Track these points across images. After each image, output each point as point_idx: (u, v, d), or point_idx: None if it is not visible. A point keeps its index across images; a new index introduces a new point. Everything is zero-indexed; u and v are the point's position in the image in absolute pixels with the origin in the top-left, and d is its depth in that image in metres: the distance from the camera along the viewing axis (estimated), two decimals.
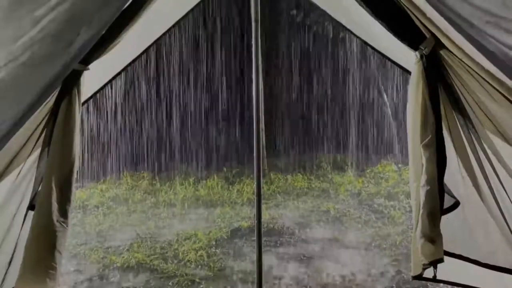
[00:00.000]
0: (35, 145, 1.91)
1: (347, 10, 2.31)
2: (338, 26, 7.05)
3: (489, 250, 2.14)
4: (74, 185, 1.94)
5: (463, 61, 1.83)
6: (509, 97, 1.75)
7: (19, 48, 1.38)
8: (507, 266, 2.12)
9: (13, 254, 1.95)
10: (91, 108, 7.56)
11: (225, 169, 8.44)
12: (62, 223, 1.89)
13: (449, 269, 2.11)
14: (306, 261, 4.88)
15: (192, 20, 8.29)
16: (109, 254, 5.10)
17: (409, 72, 2.14)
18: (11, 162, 1.84)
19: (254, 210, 2.70)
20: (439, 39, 1.84)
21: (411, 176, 2.04)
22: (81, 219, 6.29)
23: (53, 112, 1.88)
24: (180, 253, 5.10)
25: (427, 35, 1.85)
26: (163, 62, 8.62)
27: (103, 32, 1.65)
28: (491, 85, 1.78)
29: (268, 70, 8.94)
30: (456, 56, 1.84)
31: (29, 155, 1.91)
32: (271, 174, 8.21)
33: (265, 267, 3.77)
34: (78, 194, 7.00)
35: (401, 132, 8.13)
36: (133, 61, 2.56)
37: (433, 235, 1.91)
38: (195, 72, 8.86)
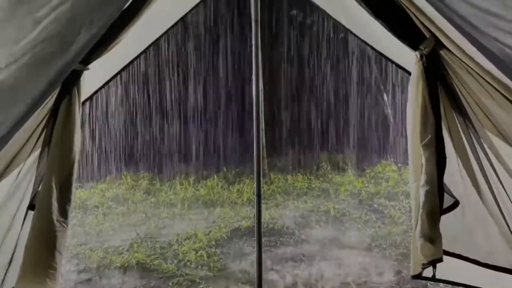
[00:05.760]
0: (35, 145, 1.91)
1: (347, 10, 2.31)
2: (338, 26, 7.05)
3: (489, 249, 2.14)
4: (74, 185, 1.94)
5: (463, 61, 1.83)
6: (509, 97, 1.75)
7: (20, 49, 1.38)
8: (507, 266, 2.13)
9: (13, 254, 1.96)
10: (91, 108, 7.56)
11: (225, 169, 8.43)
12: (62, 223, 1.89)
13: (448, 269, 2.11)
14: (306, 261, 4.88)
15: (192, 19, 8.29)
16: (109, 254, 5.10)
17: (409, 72, 2.14)
18: (11, 162, 1.85)
19: (254, 210, 2.70)
20: (439, 39, 1.84)
21: (411, 176, 2.04)
22: (81, 219, 6.28)
23: (53, 112, 1.89)
24: (180, 253, 5.10)
25: (427, 35, 1.86)
26: (163, 61, 8.62)
27: (103, 32, 1.65)
28: (491, 85, 1.78)
29: (268, 70, 8.94)
30: (456, 56, 1.84)
31: (29, 155, 1.92)
32: (271, 174, 8.21)
33: (264, 267, 3.77)
34: (78, 194, 7.00)
35: (401, 132, 8.13)
36: (133, 61, 2.56)
37: (432, 235, 1.91)
38: (196, 72, 8.86)
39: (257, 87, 2.60)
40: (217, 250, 5.21)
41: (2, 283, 1.96)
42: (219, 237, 5.59)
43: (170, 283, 4.43)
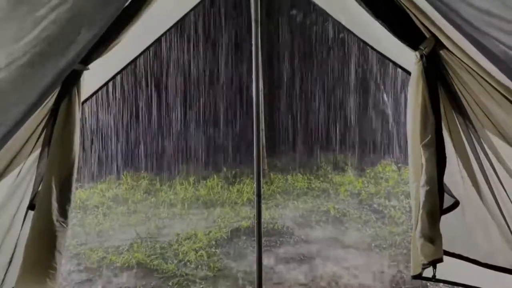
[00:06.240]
0: (35, 145, 1.91)
1: (347, 10, 2.31)
2: (338, 26, 7.06)
3: (489, 250, 2.14)
4: (74, 185, 1.94)
5: (463, 61, 1.83)
6: (509, 97, 1.75)
7: (20, 49, 1.38)
8: (507, 266, 2.13)
9: (13, 254, 1.95)
10: (91, 108, 7.57)
11: (225, 169, 8.44)
12: (62, 223, 1.89)
13: (448, 269, 2.11)
14: (306, 261, 4.88)
15: (192, 19, 8.29)
16: (109, 254, 5.10)
17: (409, 72, 2.14)
18: (11, 162, 1.84)
19: (254, 210, 2.70)
20: (439, 39, 1.84)
21: (411, 176, 2.04)
22: (81, 219, 6.29)
23: (53, 112, 1.88)
24: (180, 253, 5.10)
25: (427, 35, 1.85)
26: (163, 61, 8.62)
27: (103, 32, 1.65)
28: (491, 85, 1.78)
29: (268, 71, 8.95)
30: (456, 56, 1.84)
31: (29, 155, 1.92)
32: (271, 174, 8.21)
33: (264, 267, 3.77)
34: (78, 194, 7.00)
35: (401, 132, 8.13)
36: (133, 61, 2.56)
37: (432, 235, 1.91)
38: (196, 72, 8.86)
39: (257, 87, 2.59)
40: (217, 250, 5.22)
41: (2, 283, 1.96)
42: (219, 237, 5.59)
43: (170, 283, 4.44)
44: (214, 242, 5.42)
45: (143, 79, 8.62)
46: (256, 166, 2.62)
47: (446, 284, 2.47)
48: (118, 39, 1.89)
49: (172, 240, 5.53)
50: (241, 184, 7.70)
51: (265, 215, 6.27)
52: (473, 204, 2.08)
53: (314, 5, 2.75)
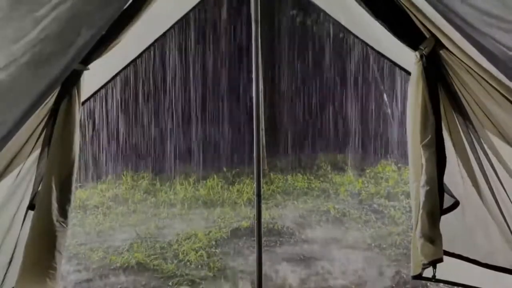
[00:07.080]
0: (35, 145, 1.91)
1: (347, 10, 2.31)
2: (338, 26, 7.05)
3: (489, 250, 2.14)
4: (74, 185, 1.94)
5: (463, 61, 1.83)
6: (509, 97, 1.75)
7: (20, 49, 1.38)
8: (507, 266, 2.13)
9: (13, 254, 1.95)
10: (91, 108, 7.56)
11: (225, 169, 8.43)
12: (62, 223, 1.89)
13: (448, 269, 2.11)
14: (305, 261, 4.88)
15: (191, 19, 8.29)
16: (109, 254, 5.10)
17: (409, 72, 2.14)
18: (11, 162, 1.84)
19: (254, 210, 2.70)
20: (439, 39, 1.84)
21: (411, 176, 2.04)
22: (81, 219, 6.28)
23: (53, 112, 1.88)
24: (180, 253, 5.10)
25: (427, 35, 1.86)
26: (163, 61, 8.61)
27: (103, 32, 1.65)
28: (491, 85, 1.78)
29: (268, 71, 8.95)
30: (456, 56, 1.84)
31: (29, 155, 1.92)
32: (271, 174, 8.20)
33: (264, 267, 3.77)
34: (78, 194, 7.00)
35: (401, 132, 8.12)
36: (133, 61, 2.56)
37: (432, 235, 1.91)
38: (196, 72, 8.86)
39: (257, 87, 2.60)
40: (217, 250, 5.21)
41: (2, 283, 1.96)
42: (219, 237, 5.59)
43: (170, 283, 4.44)
44: (214, 242, 5.42)
45: (143, 77, 8.62)
46: (256, 166, 2.62)
47: (446, 284, 2.47)
48: (118, 39, 1.89)
49: (172, 240, 5.53)
50: (241, 184, 7.69)
51: (265, 215, 6.26)
52: (473, 204, 2.08)
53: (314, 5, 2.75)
